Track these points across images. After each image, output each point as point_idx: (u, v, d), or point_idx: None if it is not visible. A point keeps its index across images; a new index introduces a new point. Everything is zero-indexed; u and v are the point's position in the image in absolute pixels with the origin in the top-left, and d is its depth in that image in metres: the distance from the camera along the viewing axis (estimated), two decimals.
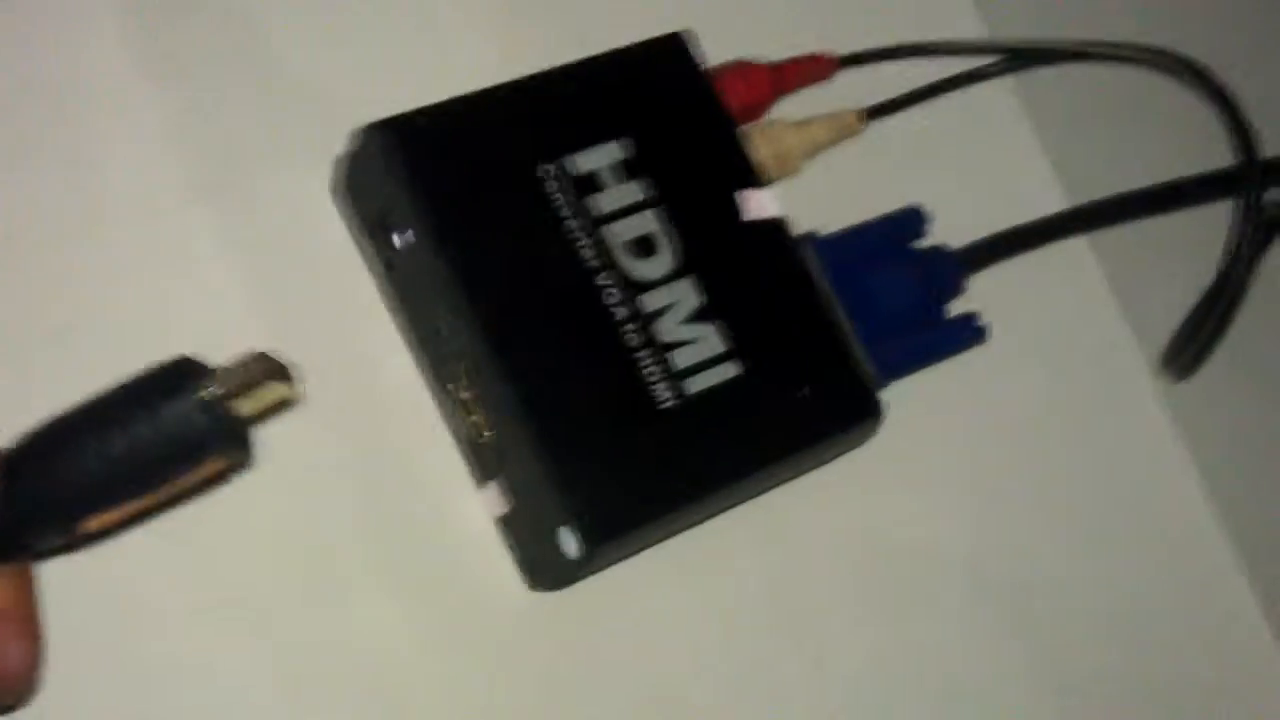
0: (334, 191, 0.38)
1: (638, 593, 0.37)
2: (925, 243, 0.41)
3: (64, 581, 0.32)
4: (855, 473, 0.40)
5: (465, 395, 0.36)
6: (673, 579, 0.38)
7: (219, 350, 0.35)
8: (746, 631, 0.39)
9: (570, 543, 0.34)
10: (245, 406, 0.29)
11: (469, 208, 0.35)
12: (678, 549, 0.38)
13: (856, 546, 0.40)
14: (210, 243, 0.37)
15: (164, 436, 0.28)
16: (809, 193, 0.40)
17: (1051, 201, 0.44)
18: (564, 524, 0.34)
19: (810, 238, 0.39)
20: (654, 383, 0.36)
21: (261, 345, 0.36)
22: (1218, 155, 0.41)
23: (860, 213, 0.41)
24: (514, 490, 0.36)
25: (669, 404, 0.36)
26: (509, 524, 0.37)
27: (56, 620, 0.31)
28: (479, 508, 0.37)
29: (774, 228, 0.38)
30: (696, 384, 0.36)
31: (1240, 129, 0.41)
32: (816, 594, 0.39)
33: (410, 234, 0.35)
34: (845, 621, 0.40)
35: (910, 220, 0.41)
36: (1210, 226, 0.42)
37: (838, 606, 0.39)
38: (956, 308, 0.41)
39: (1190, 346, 0.41)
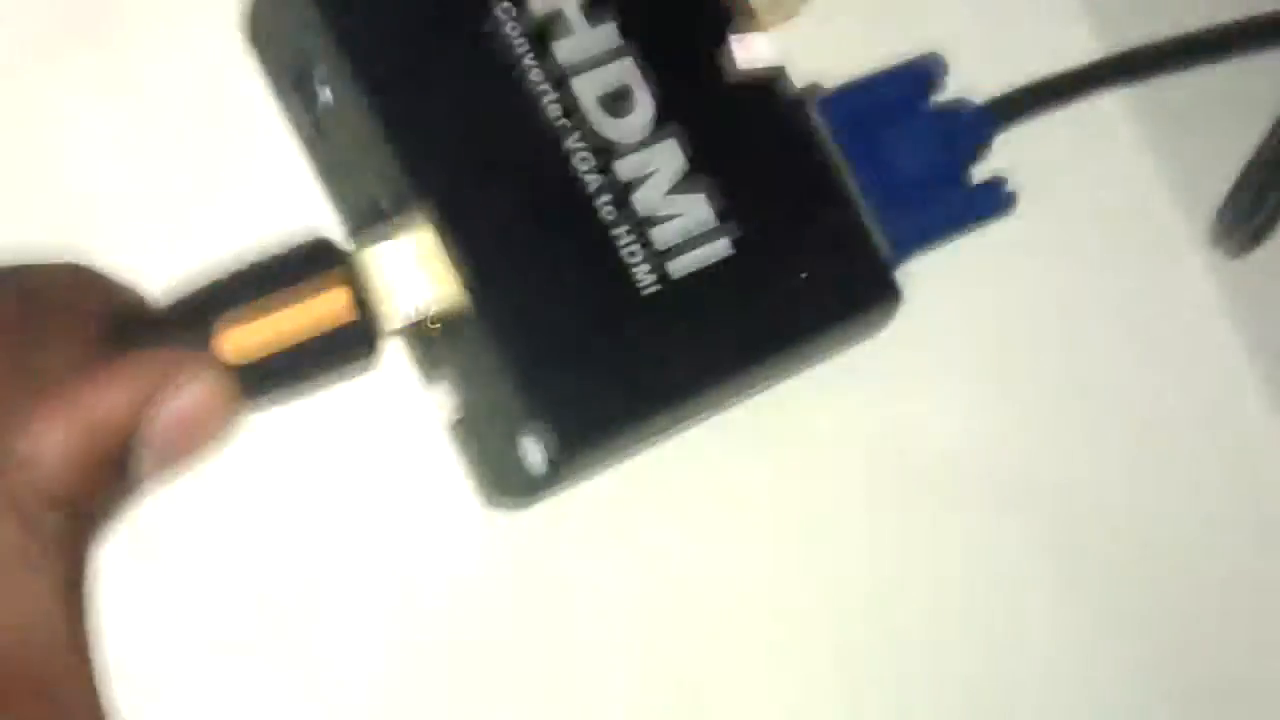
0: (250, 38, 0.32)
1: (614, 512, 0.32)
2: (943, 96, 0.35)
3: None
4: (864, 365, 0.34)
5: None
6: (655, 493, 0.33)
7: (116, 241, 0.30)
8: (744, 552, 0.33)
9: (534, 454, 0.29)
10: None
11: (408, 54, 0.30)
12: (660, 458, 0.32)
13: (868, 449, 0.35)
14: (98, 108, 0.31)
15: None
16: (810, 38, 0.34)
17: (1082, 48, 0.38)
18: (527, 431, 0.29)
19: (813, 91, 0.33)
20: (633, 264, 0.30)
21: (169, 231, 0.31)
22: None
23: (869, 61, 0.35)
24: (468, 391, 0.30)
25: (651, 289, 0.30)
26: (462, 430, 0.31)
27: None
28: (428, 412, 0.31)
29: (771, 79, 0.32)
30: (683, 265, 0.30)
31: None
32: (823, 505, 0.34)
33: (336, 87, 0.29)
34: (857, 535, 0.35)
35: (927, 70, 0.35)
36: (1268, 78, 0.36)
37: (847, 519, 0.34)
38: (980, 173, 0.35)
39: (1248, 218, 0.36)
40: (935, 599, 0.35)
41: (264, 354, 0.27)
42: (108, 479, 0.25)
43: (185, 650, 0.30)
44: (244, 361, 0.27)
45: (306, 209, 0.32)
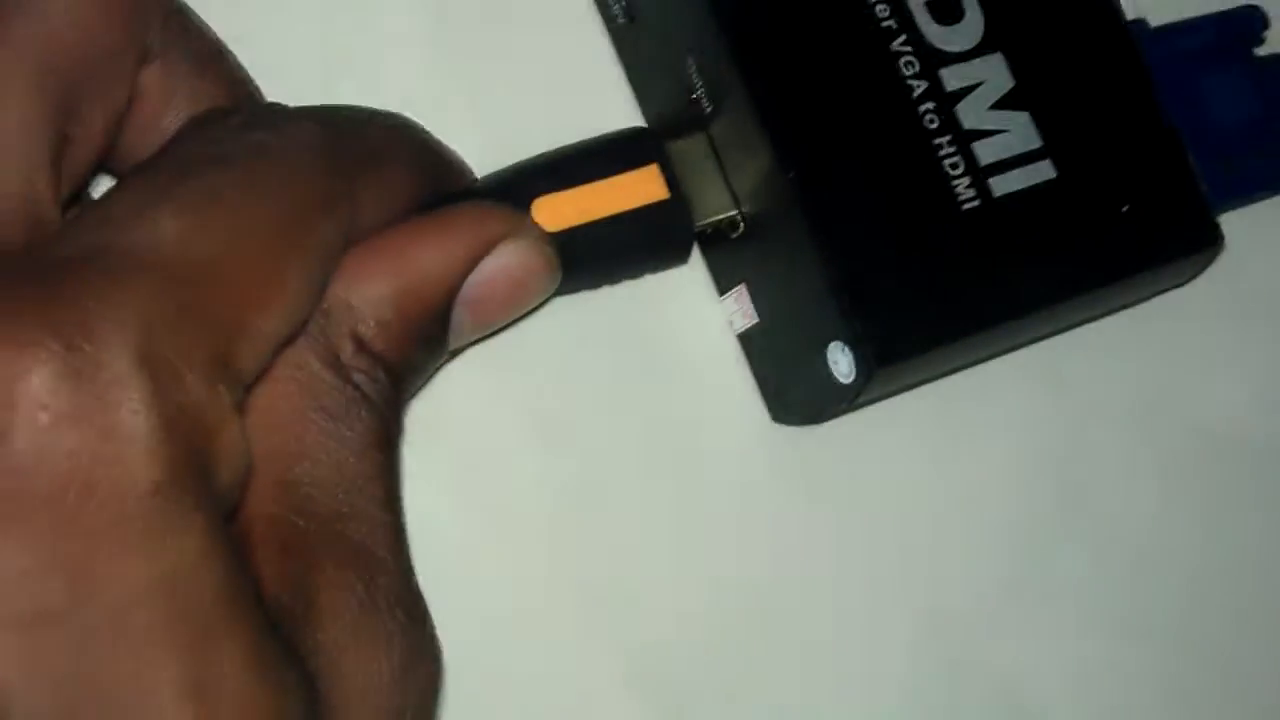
0: None
1: (895, 440, 0.31)
2: (1263, 51, 0.34)
3: None
4: (1164, 321, 0.32)
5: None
6: (934, 431, 0.31)
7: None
8: (1012, 503, 0.32)
9: (844, 362, 0.27)
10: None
11: None
12: (943, 393, 0.31)
13: (1156, 414, 0.33)
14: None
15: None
16: None
17: None
18: (840, 337, 0.27)
19: (1141, 23, 0.32)
20: (955, 177, 0.28)
21: (463, 117, 0.30)
22: None
23: (1188, 6, 0.33)
24: (770, 297, 0.29)
25: (971, 204, 0.28)
26: (757, 340, 0.30)
27: None
28: (718, 320, 0.30)
29: (1105, 3, 0.30)
30: (1005, 184, 0.29)
31: None
32: (1104, 466, 0.32)
33: None
34: (1136, 506, 0.32)
35: (1248, 21, 0.33)
36: None
37: (1128, 486, 0.32)
38: None
39: None
40: (1215, 587, 0.33)
41: (577, 223, 0.26)
42: (425, 338, 0.24)
43: (455, 546, 0.28)
44: (558, 229, 0.26)
45: (612, 102, 0.30)
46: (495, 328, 0.26)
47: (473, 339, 0.26)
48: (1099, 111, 0.30)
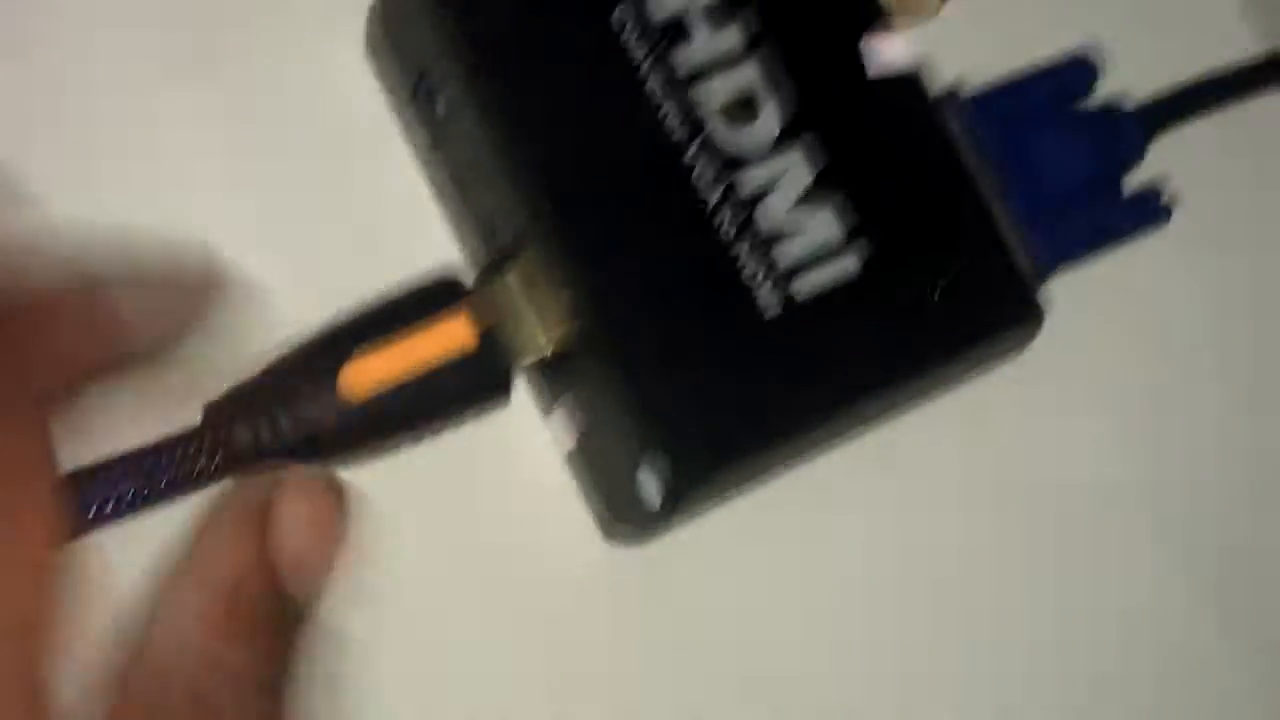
0: (369, 50, 0.30)
1: (735, 546, 0.30)
2: (1094, 100, 0.33)
3: None
4: (999, 389, 0.32)
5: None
6: (779, 528, 0.31)
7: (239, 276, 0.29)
8: (869, 591, 0.31)
9: (651, 487, 0.27)
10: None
11: (525, 64, 0.28)
12: (785, 490, 0.30)
13: (1000, 482, 0.32)
14: (215, 125, 0.30)
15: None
16: (949, 38, 0.32)
17: (1238, 45, 0.35)
18: (644, 464, 0.27)
19: (952, 95, 0.31)
20: (756, 285, 0.28)
21: (287, 249, 0.30)
22: None
23: (1014, 61, 0.32)
24: (584, 421, 0.29)
25: (774, 312, 0.28)
26: (579, 461, 0.30)
27: None
28: (546, 439, 0.30)
29: (907, 83, 0.30)
30: (809, 284, 0.29)
31: None
32: (949, 542, 0.32)
33: (451, 96, 0.28)
34: (987, 576, 0.32)
35: (1077, 72, 0.33)
36: None
37: (977, 558, 0.32)
38: (1133, 179, 0.33)
39: None
40: (1069, 643, 0.33)
41: (390, 386, 0.26)
42: (272, 631, 0.23)
43: None
44: (371, 395, 0.26)
45: (430, 232, 0.30)
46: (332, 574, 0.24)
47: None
48: (905, 197, 0.30)
